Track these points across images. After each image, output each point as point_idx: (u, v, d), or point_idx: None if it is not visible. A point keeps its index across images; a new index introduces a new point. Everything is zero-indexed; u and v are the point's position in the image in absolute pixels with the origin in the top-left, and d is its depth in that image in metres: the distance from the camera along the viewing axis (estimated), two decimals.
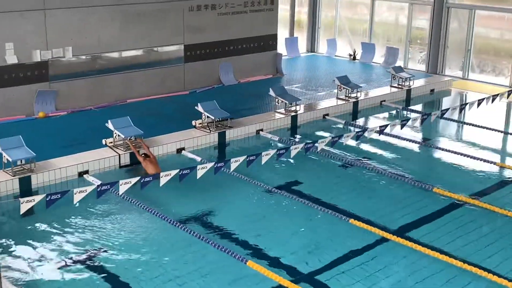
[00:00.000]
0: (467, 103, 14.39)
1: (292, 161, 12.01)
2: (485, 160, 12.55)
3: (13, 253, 8.79)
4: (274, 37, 19.44)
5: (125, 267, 8.51)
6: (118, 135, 12.24)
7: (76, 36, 15.10)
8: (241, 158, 10.13)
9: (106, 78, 15.86)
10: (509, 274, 8.43)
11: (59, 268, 8.44)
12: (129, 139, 12.21)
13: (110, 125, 12.34)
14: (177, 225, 9.57)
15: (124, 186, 8.95)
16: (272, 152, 10.62)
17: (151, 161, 11.59)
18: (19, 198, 8.18)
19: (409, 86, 17.66)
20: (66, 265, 8.51)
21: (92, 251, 8.89)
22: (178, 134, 13.23)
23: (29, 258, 8.67)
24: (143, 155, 11.74)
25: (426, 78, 19.20)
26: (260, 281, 8.23)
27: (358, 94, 16.43)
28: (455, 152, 13.06)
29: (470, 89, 18.70)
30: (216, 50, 17.96)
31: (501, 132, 14.68)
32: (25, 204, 8.08)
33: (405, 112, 16.43)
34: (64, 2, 14.78)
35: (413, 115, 15.56)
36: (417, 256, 8.90)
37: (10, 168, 10.82)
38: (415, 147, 13.78)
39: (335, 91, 16.48)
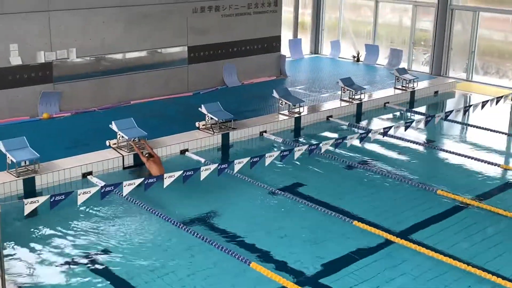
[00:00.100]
0: (471, 105, 14.36)
1: (295, 162, 11.99)
2: (489, 162, 12.53)
3: (17, 254, 8.80)
4: (277, 39, 19.44)
5: (128, 269, 8.51)
6: (122, 137, 12.25)
7: (80, 37, 15.13)
8: (245, 160, 10.12)
9: (110, 80, 15.88)
10: None
11: (62, 270, 8.44)
12: (133, 141, 12.22)
13: (114, 126, 12.34)
14: (180, 227, 9.57)
15: (128, 187, 8.94)
16: (275, 153, 10.61)
17: (154, 161, 11.59)
18: (23, 199, 8.17)
19: (413, 88, 17.64)
20: (70, 267, 8.51)
21: (95, 253, 8.89)
22: (182, 135, 13.23)
23: (33, 260, 8.67)
24: (147, 155, 11.75)
25: (430, 80, 19.17)
26: (264, 283, 8.22)
27: (362, 96, 16.41)
28: (459, 154, 13.03)
29: (474, 91, 18.67)
30: (219, 52, 17.97)
31: (505, 134, 14.64)
32: (29, 205, 8.08)
33: (409, 114, 16.41)
34: (68, 4, 14.81)
35: (417, 117, 15.55)
36: (421, 258, 8.88)
37: (14, 169, 10.84)
38: (419, 149, 13.75)
39: (339, 92, 16.47)
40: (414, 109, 16.77)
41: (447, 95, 18.49)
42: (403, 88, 17.59)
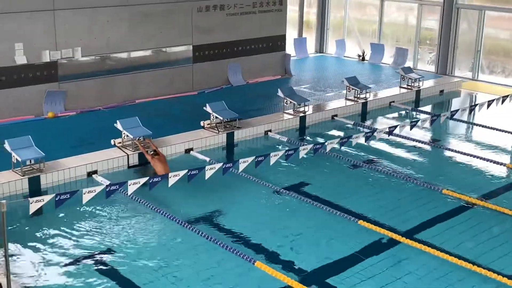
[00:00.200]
0: (477, 104, 14.32)
1: (300, 162, 11.97)
2: (495, 162, 12.49)
3: (22, 253, 8.81)
4: (282, 38, 19.42)
5: (133, 268, 8.51)
6: (127, 136, 12.26)
7: (85, 36, 15.15)
8: (250, 159, 10.12)
9: (115, 79, 15.89)
10: None
11: (67, 270, 8.44)
12: (138, 140, 12.22)
13: (118, 125, 12.35)
14: (185, 226, 9.57)
15: (132, 186, 8.95)
16: (280, 152, 10.60)
17: (159, 159, 11.60)
18: (28, 198, 8.18)
19: (419, 87, 17.59)
20: (75, 267, 8.51)
21: (100, 252, 8.89)
22: (187, 134, 13.23)
23: (37, 260, 8.67)
24: (152, 153, 11.75)
25: (436, 79, 19.12)
26: (268, 282, 8.20)
27: (367, 95, 16.37)
28: (464, 153, 12.99)
29: (479, 90, 18.61)
30: (224, 51, 17.97)
31: (511, 133, 14.58)
32: (34, 204, 8.09)
33: (414, 113, 16.37)
34: (73, 3, 14.83)
35: (422, 116, 15.51)
36: (426, 258, 8.85)
37: (19, 168, 10.86)
38: (424, 148, 13.71)
39: (344, 91, 16.44)
40: (419, 108, 16.73)
41: (453, 94, 18.44)
42: (409, 87, 17.54)
